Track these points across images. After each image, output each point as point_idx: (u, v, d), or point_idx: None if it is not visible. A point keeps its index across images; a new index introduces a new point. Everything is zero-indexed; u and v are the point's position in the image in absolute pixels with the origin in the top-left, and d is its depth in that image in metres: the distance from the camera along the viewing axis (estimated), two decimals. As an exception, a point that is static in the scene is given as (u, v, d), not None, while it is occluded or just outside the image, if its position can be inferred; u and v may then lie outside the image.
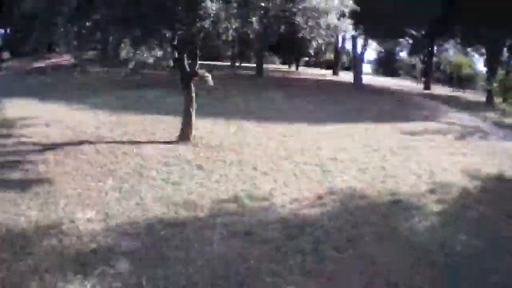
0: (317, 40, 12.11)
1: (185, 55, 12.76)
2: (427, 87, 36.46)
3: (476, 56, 39.20)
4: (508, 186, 10.91)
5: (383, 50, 57.17)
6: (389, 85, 36.63)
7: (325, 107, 19.98)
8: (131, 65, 13.50)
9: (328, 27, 11.40)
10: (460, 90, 41.33)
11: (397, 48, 53.77)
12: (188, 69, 12.91)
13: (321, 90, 26.38)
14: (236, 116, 16.42)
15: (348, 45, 41.24)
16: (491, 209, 9.22)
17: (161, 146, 12.31)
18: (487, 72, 32.63)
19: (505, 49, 33.09)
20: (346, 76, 36.96)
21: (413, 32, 38.56)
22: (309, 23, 11.28)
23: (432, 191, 10.05)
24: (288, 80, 32.90)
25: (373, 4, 26.21)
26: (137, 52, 11.53)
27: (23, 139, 12.55)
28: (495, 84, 24.93)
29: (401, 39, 42.83)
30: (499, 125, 21.15)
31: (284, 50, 43.92)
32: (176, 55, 12.42)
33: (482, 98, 30.30)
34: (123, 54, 11.56)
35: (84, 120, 15.13)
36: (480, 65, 40.30)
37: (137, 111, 16.51)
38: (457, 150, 14.18)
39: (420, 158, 12.48)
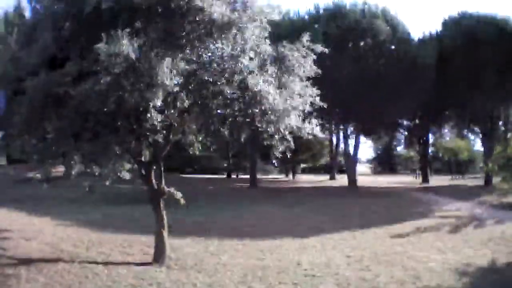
0: (279, 146, 11.33)
1: (152, 171, 12.22)
2: (425, 180, 35.81)
3: (473, 137, 38.61)
4: (497, 277, 9.87)
5: (380, 148, 57.49)
6: (386, 184, 36.08)
7: (312, 217, 19.18)
8: (86, 183, 13.05)
9: (291, 130, 10.62)
10: (460, 176, 40.69)
11: (394, 143, 53.87)
12: (155, 187, 12.32)
13: (313, 198, 25.70)
14: (220, 233, 15.57)
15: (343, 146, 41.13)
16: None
17: (135, 268, 11.44)
18: (483, 152, 32.06)
19: (500, 123, 33.02)
20: (343, 180, 36.53)
21: (407, 122, 38.84)
22: (270, 128, 10.53)
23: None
24: (281, 190, 32.46)
25: (359, 99, 26.62)
26: (87, 168, 11.18)
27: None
28: (490, 164, 24.17)
29: (395, 133, 43.05)
30: (497, 207, 20.23)
31: (276, 159, 44.01)
32: (143, 171, 11.90)
33: (482, 181, 29.51)
34: (76, 170, 11.25)
35: (65, 237, 14.61)
36: (478, 146, 39.62)
37: (122, 229, 15.78)
38: (448, 246, 13.15)
39: (406, 263, 11.44)
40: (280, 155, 11.73)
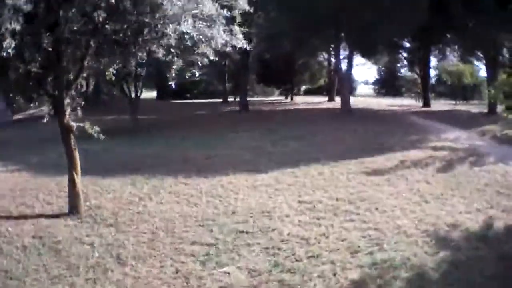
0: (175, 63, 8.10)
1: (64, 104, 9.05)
2: (426, 103, 31.88)
3: (476, 62, 33.99)
4: (488, 253, 6.58)
5: (383, 69, 52.90)
6: (385, 106, 32.34)
7: (286, 145, 15.89)
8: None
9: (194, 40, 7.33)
10: (463, 102, 36.63)
11: (398, 65, 49.06)
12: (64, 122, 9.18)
13: (299, 122, 22.25)
14: (168, 169, 12.75)
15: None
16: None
17: (44, 221, 9.05)
18: (487, 78, 27.81)
19: (504, 49, 28.56)
20: (341, 101, 32.71)
21: (406, 43, 34.55)
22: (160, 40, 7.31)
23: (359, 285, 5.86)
24: (272, 113, 29.04)
25: (353, 12, 22.51)
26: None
27: None
28: (493, 91, 20.22)
29: (396, 54, 38.69)
30: (500, 140, 16.65)
31: (273, 80, 40.36)
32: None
33: (486, 109, 25.60)
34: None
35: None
36: (483, 72, 34.98)
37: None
38: (433, 191, 9.89)
39: (368, 217, 8.28)
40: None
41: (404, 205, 8.89)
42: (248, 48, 8.64)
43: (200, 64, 8.41)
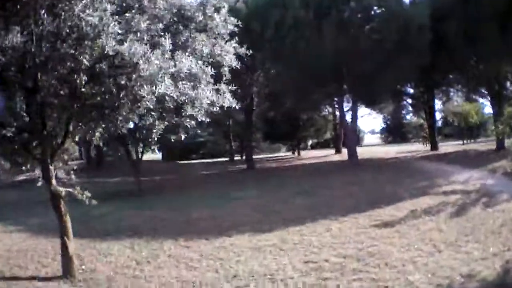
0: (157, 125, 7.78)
1: (50, 170, 8.76)
2: (434, 147, 31.31)
3: (481, 100, 33.55)
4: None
5: (388, 117, 52.76)
6: (394, 153, 31.79)
7: (292, 202, 15.33)
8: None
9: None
10: (471, 141, 35.99)
11: (403, 112, 48.84)
12: (52, 188, 8.84)
13: (306, 177, 21.77)
14: (168, 231, 12.31)
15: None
16: None
17: (36, 284, 8.69)
18: (493, 114, 27.27)
19: (508, 83, 28.21)
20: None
21: (410, 89, 34.35)
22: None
23: None
24: (278, 169, 28.64)
25: (354, 63, 22.33)
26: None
27: None
28: (501, 126, 19.71)
29: (400, 101, 38.47)
30: (511, 176, 16.00)
31: (279, 137, 40.19)
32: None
33: (494, 145, 24.94)
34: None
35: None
36: (488, 109, 34.43)
37: (76, 233, 12.38)
38: (446, 239, 9.30)
39: (380, 274, 7.66)
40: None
41: (416, 258, 8.24)
42: (236, 107, 8.23)
43: (189, 126, 8.07)
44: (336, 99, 28.45)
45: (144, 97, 6.73)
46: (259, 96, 31.56)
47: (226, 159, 41.76)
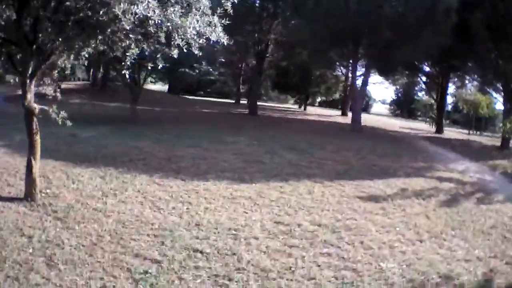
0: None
1: (27, 86, 7.94)
2: (439, 130, 30.24)
3: (495, 94, 32.14)
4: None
5: (400, 90, 51.26)
6: (397, 127, 30.80)
7: (282, 155, 14.49)
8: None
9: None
10: (477, 133, 34.91)
11: (415, 88, 47.28)
12: (26, 104, 8.07)
13: (303, 133, 20.85)
14: (147, 165, 11.69)
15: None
16: None
17: None
18: (503, 111, 26.07)
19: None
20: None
21: (426, 67, 32.89)
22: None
23: None
24: (280, 120, 27.70)
25: (374, 29, 21.22)
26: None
27: None
28: (509, 124, 18.70)
29: (414, 77, 37.01)
30: (511, 176, 15.10)
31: (288, 88, 39.04)
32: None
33: (499, 142, 23.96)
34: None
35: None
36: (500, 105, 33.14)
37: (45, 152, 11.58)
38: (431, 229, 8.50)
39: (352, 253, 6.91)
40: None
41: (395, 243, 7.50)
42: (225, 43, 7.07)
43: (170, 55, 7.08)
44: (351, 61, 27.17)
45: (118, 15, 5.75)
46: (275, 44, 30.25)
47: (232, 101, 40.95)
